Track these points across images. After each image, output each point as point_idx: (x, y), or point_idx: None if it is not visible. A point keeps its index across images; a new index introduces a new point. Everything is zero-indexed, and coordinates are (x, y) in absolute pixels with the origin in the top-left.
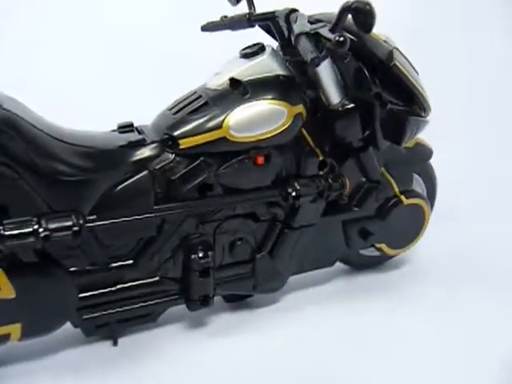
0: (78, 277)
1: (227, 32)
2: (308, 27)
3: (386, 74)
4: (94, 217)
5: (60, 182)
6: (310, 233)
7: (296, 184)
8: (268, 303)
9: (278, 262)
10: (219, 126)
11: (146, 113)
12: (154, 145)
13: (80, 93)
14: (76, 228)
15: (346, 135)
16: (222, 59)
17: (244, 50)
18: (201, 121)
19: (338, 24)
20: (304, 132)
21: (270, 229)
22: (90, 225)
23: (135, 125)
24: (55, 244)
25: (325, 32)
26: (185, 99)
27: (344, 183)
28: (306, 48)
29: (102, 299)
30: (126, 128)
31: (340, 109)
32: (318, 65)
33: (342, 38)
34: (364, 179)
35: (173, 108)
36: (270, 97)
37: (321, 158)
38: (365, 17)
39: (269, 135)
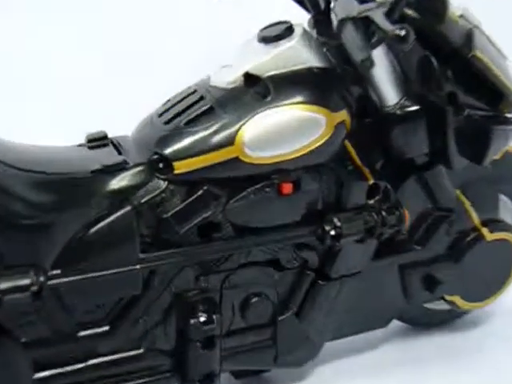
0: (34, 350)
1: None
2: (356, 8)
3: (462, 66)
4: (59, 271)
5: (12, 226)
6: (354, 284)
7: (336, 219)
8: (292, 379)
9: (309, 325)
10: (230, 143)
11: (124, 119)
12: (138, 168)
13: (25, 89)
14: (35, 288)
15: (407, 148)
16: (231, 44)
17: (264, 30)
18: (204, 134)
19: (396, 7)
20: (348, 146)
21: (299, 280)
22: (53, 282)
23: (110, 136)
24: (7, 309)
25: (379, 16)
26: (180, 101)
27: (402, 215)
28: (352, 42)
29: (67, 380)
30: (98, 141)
31: (398, 112)
32: (370, 68)
33: (403, 32)
34: (430, 207)
35: (163, 114)
36: (301, 100)
37: (371, 180)
38: (434, 2)
39: (299, 154)
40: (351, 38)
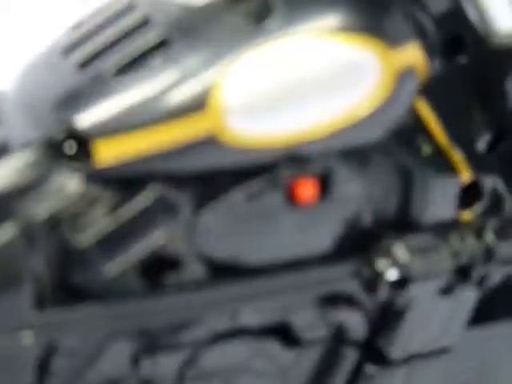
0: None
1: None
2: None
3: None
4: None
5: None
6: (435, 371)
7: (398, 249)
8: None
9: None
10: (198, 106)
11: None
12: (28, 154)
13: None
14: None
15: None
16: None
17: None
18: (151, 91)
19: None
20: (423, 110)
21: (329, 365)
22: None
23: None
24: None
25: None
26: (103, 26)
27: None
28: None
29: None
30: None
31: None
32: None
33: None
34: None
35: (72, 50)
36: (331, 24)
37: (467, 175)
38: None
39: (330, 126)
40: None
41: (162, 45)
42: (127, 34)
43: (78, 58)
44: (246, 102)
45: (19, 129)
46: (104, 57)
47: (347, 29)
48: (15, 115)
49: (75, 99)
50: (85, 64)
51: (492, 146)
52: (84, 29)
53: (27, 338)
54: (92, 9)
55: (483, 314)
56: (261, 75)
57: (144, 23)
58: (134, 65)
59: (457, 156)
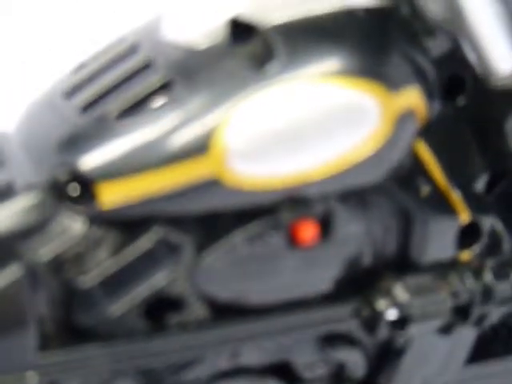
0: None
1: None
2: None
3: None
4: None
5: None
6: None
7: (398, 289)
8: None
9: None
10: (202, 149)
11: None
12: (32, 196)
13: None
14: None
15: None
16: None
17: None
18: (153, 135)
19: None
20: (423, 152)
21: None
22: None
23: None
24: None
25: None
26: (106, 69)
27: None
28: None
29: None
30: None
31: None
32: (454, 27)
33: None
34: None
35: (74, 93)
36: (333, 68)
37: (465, 216)
38: None
39: (330, 169)
40: None
41: (164, 88)
42: (130, 77)
43: (80, 100)
44: (248, 145)
45: (23, 171)
46: (106, 100)
47: (347, 73)
48: (19, 157)
49: (78, 142)
50: (87, 107)
51: (490, 187)
52: (86, 71)
53: (31, 379)
54: (94, 51)
55: (481, 352)
56: (262, 119)
57: (146, 66)
58: (137, 108)
59: (455, 197)
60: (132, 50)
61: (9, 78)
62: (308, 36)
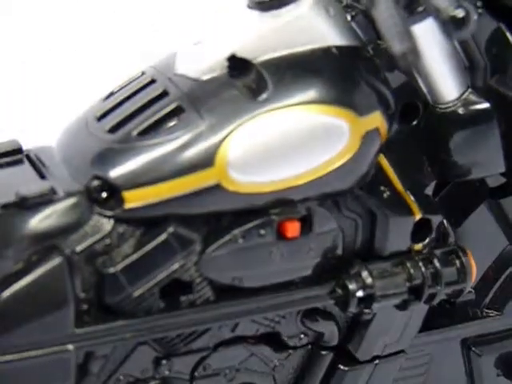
0: None
1: None
2: None
3: None
4: None
5: None
6: (393, 369)
7: (365, 273)
8: None
9: None
10: (208, 163)
11: (41, 120)
12: (71, 201)
13: None
14: None
15: (473, 164)
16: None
17: None
18: (168, 151)
19: None
20: (384, 163)
21: (309, 365)
22: None
23: (25, 148)
24: None
25: None
26: (129, 97)
27: (467, 265)
28: (389, 22)
29: None
30: (9, 157)
31: (460, 111)
32: (414, 62)
33: (461, 13)
34: (509, 252)
35: (104, 117)
36: (313, 98)
37: (418, 214)
38: None
39: (311, 178)
40: (387, 16)
41: (177, 112)
42: (148, 104)
43: (108, 123)
44: (246, 160)
45: (63, 180)
46: (130, 122)
47: (325, 102)
48: (60, 168)
49: (107, 157)
50: (114, 128)
51: (437, 191)
52: (114, 98)
53: (70, 349)
54: (119, 82)
55: (430, 324)
56: (257, 138)
57: (162, 95)
58: (154, 128)
59: (410, 199)
60: (151, 81)
61: (9, 78)
62: (292, 70)
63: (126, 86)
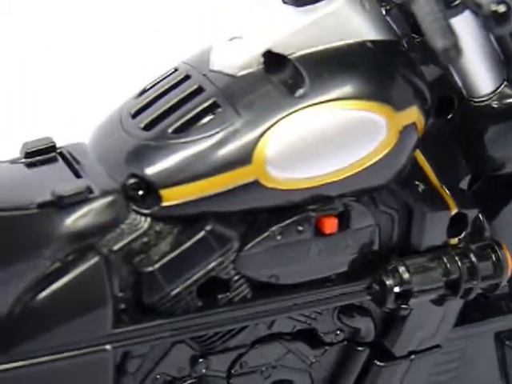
0: None
1: None
2: None
3: None
4: None
5: None
6: (429, 364)
7: (402, 269)
8: None
9: None
10: (245, 160)
11: (73, 115)
12: (107, 199)
13: None
14: None
15: (508, 158)
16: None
17: None
18: (204, 148)
19: None
20: (420, 158)
21: (346, 361)
22: None
23: (59, 145)
24: None
25: None
26: (164, 93)
27: (503, 259)
28: (430, 18)
29: None
30: (43, 155)
31: (495, 105)
32: (456, 58)
33: (503, 8)
34: None
35: (139, 114)
36: (350, 93)
37: (454, 208)
38: None
39: (348, 174)
40: (428, 10)
41: (213, 109)
42: (183, 100)
43: (143, 120)
44: (284, 156)
45: (100, 178)
46: (165, 119)
47: (362, 97)
48: (95, 166)
49: (142, 155)
50: (149, 125)
51: (472, 185)
52: (147, 95)
53: (108, 349)
54: (152, 78)
55: (465, 318)
56: (293, 135)
57: (198, 91)
58: (189, 125)
59: (446, 193)
60: (185, 77)
61: (9, 78)
62: (328, 66)
63: (159, 82)
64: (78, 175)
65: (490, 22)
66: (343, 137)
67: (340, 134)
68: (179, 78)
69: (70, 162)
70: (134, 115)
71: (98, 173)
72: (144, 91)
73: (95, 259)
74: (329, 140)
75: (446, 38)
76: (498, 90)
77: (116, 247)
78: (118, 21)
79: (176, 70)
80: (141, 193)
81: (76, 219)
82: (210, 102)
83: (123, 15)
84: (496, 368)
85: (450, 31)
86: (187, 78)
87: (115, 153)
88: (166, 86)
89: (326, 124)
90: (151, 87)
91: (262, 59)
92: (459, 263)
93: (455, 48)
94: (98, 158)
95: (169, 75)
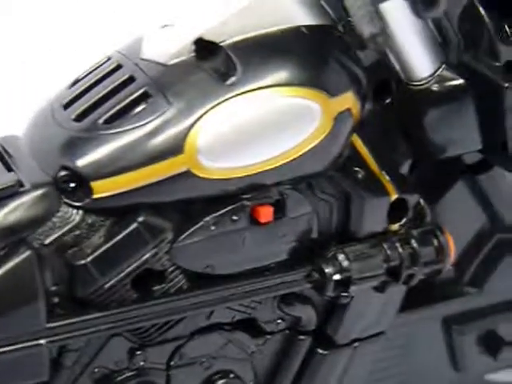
0: None
1: None
2: None
3: None
4: None
5: None
6: (373, 351)
7: (341, 256)
8: None
9: None
10: (177, 150)
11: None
12: (38, 192)
13: None
14: None
15: (448, 141)
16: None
17: None
18: (135, 139)
19: None
20: (357, 143)
21: (287, 350)
22: None
23: None
24: None
25: None
26: (95, 84)
27: (445, 244)
28: (358, 8)
29: None
30: None
31: (434, 88)
32: (384, 44)
33: None
34: (487, 229)
35: (70, 105)
36: (283, 80)
37: (394, 194)
38: None
39: (283, 161)
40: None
41: (143, 98)
42: (115, 91)
43: (75, 111)
44: (216, 145)
45: (31, 172)
46: (96, 109)
47: (296, 84)
48: (26, 159)
49: (74, 146)
50: (81, 116)
51: (412, 170)
52: (79, 86)
53: (42, 344)
54: (84, 68)
55: (409, 304)
56: (226, 123)
57: (129, 80)
58: (121, 115)
59: (385, 179)
60: (117, 67)
61: (9, 78)
62: (261, 52)
63: (91, 72)
64: (9, 169)
65: (417, 5)
66: (276, 124)
67: (273, 121)
68: (111, 68)
69: (2, 155)
70: (66, 106)
71: (29, 166)
72: (77, 81)
73: (26, 253)
74: (262, 128)
75: (373, 24)
76: (437, 73)
77: (48, 241)
78: (117, 21)
79: (109, 58)
80: (72, 185)
81: (6, 213)
82: (140, 91)
83: (123, 15)
84: (444, 353)
85: (377, 17)
86: (119, 67)
87: (47, 145)
88: (98, 76)
89: (258, 112)
90: (84, 77)
91: (193, 47)
92: (400, 249)
93: (382, 34)
94: (30, 151)
95: (101, 64)
